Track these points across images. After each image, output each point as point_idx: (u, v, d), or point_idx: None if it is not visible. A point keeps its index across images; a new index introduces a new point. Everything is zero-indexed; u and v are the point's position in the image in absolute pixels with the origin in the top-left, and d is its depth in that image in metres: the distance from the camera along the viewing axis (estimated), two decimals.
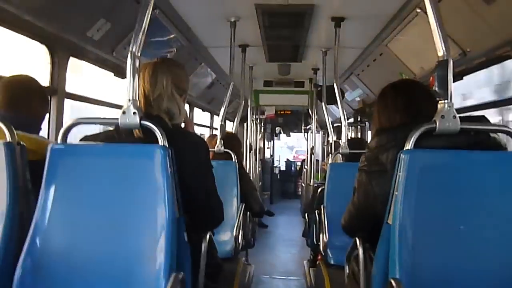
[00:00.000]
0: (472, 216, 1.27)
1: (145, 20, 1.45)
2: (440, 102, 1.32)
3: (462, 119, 1.30)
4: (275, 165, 12.27)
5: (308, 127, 8.19)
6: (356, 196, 1.59)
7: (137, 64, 1.40)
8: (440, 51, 1.35)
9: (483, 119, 1.42)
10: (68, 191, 1.35)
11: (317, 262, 3.62)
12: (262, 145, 11.04)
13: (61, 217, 1.33)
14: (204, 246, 1.61)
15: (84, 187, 1.36)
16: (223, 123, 3.41)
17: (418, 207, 1.26)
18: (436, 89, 1.34)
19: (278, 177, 11.92)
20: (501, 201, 1.28)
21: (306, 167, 8.15)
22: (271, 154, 12.61)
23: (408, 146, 1.29)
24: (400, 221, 1.24)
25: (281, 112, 9.40)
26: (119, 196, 1.34)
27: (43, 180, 1.34)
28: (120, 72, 3.08)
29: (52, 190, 1.33)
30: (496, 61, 2.61)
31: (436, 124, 1.29)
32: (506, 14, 2.15)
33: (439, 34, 1.36)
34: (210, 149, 3.18)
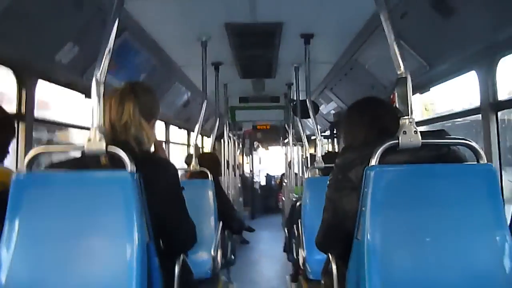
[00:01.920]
0: (437, 228, 1.30)
1: (109, 44, 1.44)
2: (402, 118, 1.36)
3: (424, 134, 1.34)
4: (255, 180, 12.25)
5: (285, 141, 8.24)
6: (326, 214, 1.61)
7: (101, 90, 1.39)
8: (399, 68, 1.39)
9: (443, 133, 1.47)
10: (33, 222, 1.31)
11: (299, 277, 3.62)
12: (241, 161, 11.02)
13: (26, 250, 1.29)
14: (177, 269, 1.58)
15: (50, 217, 1.32)
16: (196, 142, 3.40)
17: (385, 222, 1.28)
18: (397, 105, 1.37)
19: (259, 192, 11.90)
20: (464, 212, 1.31)
21: (285, 181, 8.17)
22: (251, 169, 12.59)
23: (373, 162, 1.32)
24: (369, 236, 1.26)
25: (259, 127, 9.44)
26: (86, 224, 1.31)
27: (7, 211, 1.30)
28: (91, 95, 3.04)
29: (16, 222, 1.29)
30: (460, 73, 2.70)
31: (399, 139, 1.33)
32: (466, 28, 2.24)
33: (396, 52, 1.40)
34: (186, 169, 3.19)
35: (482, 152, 1.35)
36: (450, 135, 1.47)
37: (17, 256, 1.28)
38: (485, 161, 1.35)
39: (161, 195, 1.49)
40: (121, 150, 1.34)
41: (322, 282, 1.86)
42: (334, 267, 1.60)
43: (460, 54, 2.48)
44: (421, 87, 3.02)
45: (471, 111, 2.60)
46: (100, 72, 1.39)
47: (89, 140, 1.34)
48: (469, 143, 1.36)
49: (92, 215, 1.32)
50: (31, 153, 1.36)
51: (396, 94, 1.38)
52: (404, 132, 1.33)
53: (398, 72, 1.39)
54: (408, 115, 1.34)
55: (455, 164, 1.40)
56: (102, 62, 1.40)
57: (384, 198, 1.29)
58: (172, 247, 1.62)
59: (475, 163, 1.37)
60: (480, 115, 2.35)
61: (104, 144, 1.34)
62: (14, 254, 1.28)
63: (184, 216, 1.64)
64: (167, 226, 1.53)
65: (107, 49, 1.43)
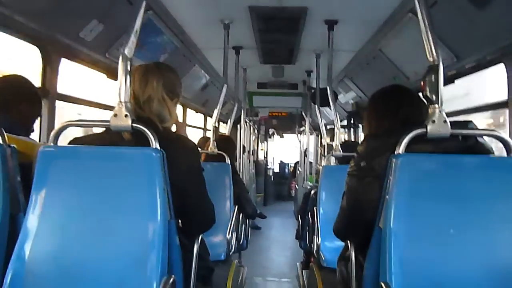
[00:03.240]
0: (462, 220, 1.28)
1: (137, 22, 1.44)
2: (430, 107, 1.33)
3: (450, 124, 1.31)
4: (268, 167, 12.27)
5: (301, 129, 8.20)
6: (346, 201, 1.59)
7: (129, 66, 1.39)
8: (431, 56, 1.36)
9: (470, 124, 1.44)
10: (59, 194, 1.34)
11: (310, 264, 3.63)
12: (255, 147, 11.03)
13: (51, 221, 1.32)
14: (196, 249, 1.60)
15: (75, 190, 1.35)
16: (216, 125, 3.41)
17: (409, 211, 1.27)
18: (428, 94, 1.34)
19: (272, 179, 11.93)
20: (490, 205, 1.29)
21: (299, 169, 8.16)
22: (265, 156, 12.61)
23: (399, 150, 1.30)
24: (392, 225, 1.25)
25: (275, 114, 9.41)
26: (110, 199, 1.33)
27: (33, 182, 1.33)
28: (113, 74, 3.06)
29: (42, 193, 1.32)
30: (487, 66, 2.63)
31: (427, 128, 1.30)
32: (497, 20, 2.17)
33: (429, 40, 1.37)
34: (203, 151, 3.21)
35: None
36: (477, 127, 1.43)
37: (42, 227, 1.31)
38: None
39: (183, 173, 1.50)
40: (145, 128, 1.35)
41: (338, 269, 1.85)
42: (353, 254, 1.59)
43: (490, 46, 2.42)
44: (446, 79, 2.95)
45: (498, 105, 2.54)
46: (129, 48, 1.39)
47: (115, 115, 1.35)
48: (500, 135, 1.33)
49: (117, 190, 1.33)
50: (58, 126, 1.37)
51: (426, 82, 1.35)
52: (433, 121, 1.30)
53: (430, 60, 1.35)
54: (438, 104, 1.31)
55: (484, 156, 1.37)
56: (131, 38, 1.40)
57: (409, 187, 1.27)
58: (191, 227, 1.64)
59: (505, 156, 1.34)
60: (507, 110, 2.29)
61: (130, 121, 1.35)
62: (39, 225, 1.31)
63: (204, 196, 1.65)
64: (187, 205, 1.54)
65: (135, 26, 1.42)
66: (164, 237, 1.27)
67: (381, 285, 1.19)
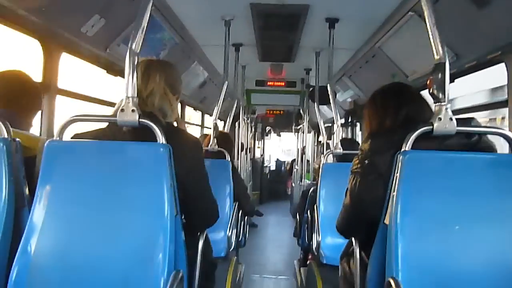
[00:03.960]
0: (467, 216, 1.29)
1: (144, 18, 1.44)
2: (437, 104, 1.34)
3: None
4: (265, 165, 12.27)
5: (299, 127, 8.21)
6: (349, 199, 1.60)
7: (135, 61, 1.39)
8: (437, 54, 1.36)
9: (473, 121, 1.44)
10: (65, 189, 1.33)
11: (308, 262, 3.65)
12: (252, 145, 11.03)
13: (56, 215, 1.32)
14: (200, 245, 1.60)
15: (81, 185, 1.34)
16: (216, 122, 3.40)
17: (415, 207, 1.28)
18: (434, 91, 1.35)
19: (268, 177, 11.93)
20: (495, 202, 1.30)
21: (296, 167, 8.18)
22: (262, 153, 12.61)
23: (406, 147, 1.31)
24: (398, 221, 1.26)
25: (272, 112, 9.41)
26: (117, 194, 1.33)
27: (39, 177, 1.32)
28: (112, 70, 3.04)
29: (48, 187, 1.31)
30: (488, 65, 2.65)
31: (433, 126, 1.31)
32: (498, 19, 2.19)
33: (436, 37, 1.38)
34: (204, 148, 3.21)
35: None
36: (480, 124, 1.44)
37: (48, 222, 1.30)
38: None
39: (187, 168, 1.50)
40: (152, 124, 1.35)
41: (340, 266, 1.86)
42: (357, 251, 1.60)
43: (490, 45, 2.43)
44: None
45: (498, 104, 2.55)
46: (136, 43, 1.38)
47: (121, 110, 1.35)
48: (505, 132, 1.34)
49: (123, 185, 1.33)
50: (65, 121, 1.37)
51: (433, 79, 1.35)
52: (439, 119, 1.31)
53: (436, 58, 1.36)
54: (445, 102, 1.32)
55: (489, 153, 1.38)
56: (138, 34, 1.40)
57: (415, 183, 1.28)
58: (195, 222, 1.64)
59: (509, 153, 1.35)
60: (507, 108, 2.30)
61: (137, 116, 1.34)
62: (45, 220, 1.30)
63: (208, 191, 1.65)
64: (191, 200, 1.54)
65: (143, 22, 1.42)
66: (171, 232, 1.27)
67: (389, 281, 1.20)
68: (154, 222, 1.27)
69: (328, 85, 3.59)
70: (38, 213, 1.30)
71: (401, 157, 1.29)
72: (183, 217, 1.54)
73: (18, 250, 1.27)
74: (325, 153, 3.55)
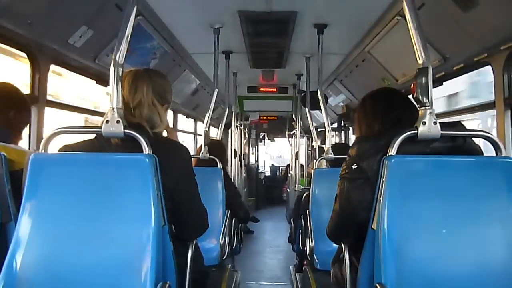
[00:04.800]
0: (454, 220, 1.30)
1: (128, 28, 1.44)
2: (421, 108, 1.34)
3: (440, 125, 1.33)
4: (260, 171, 12.26)
5: (292, 132, 8.22)
6: (338, 204, 1.60)
7: (120, 72, 1.39)
8: (420, 58, 1.37)
9: (458, 125, 1.46)
10: (51, 202, 1.32)
11: (303, 267, 3.64)
12: (246, 151, 11.03)
13: (43, 228, 1.30)
14: (190, 254, 1.59)
15: (67, 197, 1.33)
16: (207, 129, 3.40)
17: (402, 212, 1.28)
18: (418, 96, 1.36)
19: (263, 182, 11.92)
20: (480, 204, 1.31)
21: (291, 172, 8.17)
22: (256, 159, 12.61)
23: (392, 151, 1.31)
24: (385, 226, 1.26)
25: (266, 118, 9.42)
26: (103, 206, 1.32)
27: (24, 190, 1.31)
28: (102, 80, 3.04)
29: (33, 201, 1.30)
30: (475, 67, 2.67)
31: (417, 130, 1.32)
32: (483, 21, 2.21)
33: (419, 42, 1.39)
34: (195, 156, 3.20)
35: (502, 145, 1.34)
36: (465, 127, 1.45)
37: (34, 235, 1.29)
38: (504, 154, 1.34)
39: (174, 178, 1.49)
40: (138, 134, 1.35)
41: (332, 271, 1.86)
42: (347, 256, 1.60)
43: (476, 48, 2.45)
44: (434, 81, 2.99)
45: (485, 106, 2.57)
46: (120, 54, 1.38)
47: (106, 122, 1.34)
48: (489, 135, 1.35)
49: (109, 197, 1.32)
50: (50, 134, 1.36)
51: (416, 84, 1.36)
52: (424, 123, 1.32)
53: (419, 62, 1.37)
54: (429, 106, 1.33)
55: (474, 156, 1.39)
56: (122, 44, 1.40)
57: (401, 188, 1.28)
58: (185, 232, 1.63)
59: (494, 155, 1.36)
60: (494, 110, 2.33)
61: (122, 127, 1.34)
62: (31, 233, 1.29)
63: (196, 200, 1.65)
64: (180, 210, 1.54)
65: (126, 32, 1.42)
66: (158, 243, 1.27)
67: (376, 286, 1.20)
68: (140, 232, 1.26)
69: (318, 90, 3.60)
70: (24, 227, 1.29)
71: (386, 162, 1.30)
72: (173, 226, 1.54)
73: (4, 264, 1.26)
74: (317, 158, 3.56)
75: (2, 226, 1.36)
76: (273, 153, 15.98)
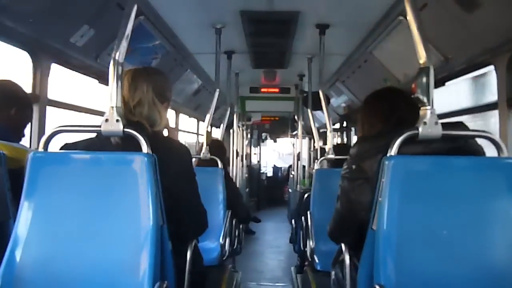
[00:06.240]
0: (455, 221, 1.28)
1: (128, 27, 1.44)
2: (422, 108, 1.33)
3: (442, 125, 1.32)
4: (262, 171, 12.25)
5: (294, 132, 8.21)
6: (340, 204, 1.60)
7: (120, 71, 1.39)
8: (422, 58, 1.36)
9: (460, 125, 1.44)
10: (49, 200, 1.32)
11: (304, 268, 3.63)
12: (248, 151, 11.02)
13: (42, 227, 1.30)
14: (189, 254, 1.59)
15: (66, 196, 1.33)
16: (208, 129, 3.40)
17: (402, 213, 1.27)
18: (419, 95, 1.35)
19: (265, 183, 11.91)
20: (481, 206, 1.29)
21: (292, 172, 8.16)
22: (258, 160, 12.60)
23: (392, 152, 1.30)
24: (385, 226, 1.25)
25: (268, 118, 9.41)
26: (101, 205, 1.32)
27: (24, 189, 1.31)
28: (104, 79, 3.04)
29: (32, 199, 1.30)
30: (477, 68, 2.66)
31: (418, 130, 1.31)
32: (486, 22, 2.20)
33: (420, 42, 1.38)
34: (196, 156, 3.20)
35: (503, 146, 1.32)
36: (468, 128, 1.44)
37: (32, 233, 1.29)
38: (506, 155, 1.32)
39: (174, 177, 1.49)
40: (136, 133, 1.34)
41: (332, 272, 1.85)
42: (347, 257, 1.59)
43: (479, 48, 2.44)
44: (436, 82, 2.97)
45: (488, 106, 2.56)
46: (120, 53, 1.38)
47: (106, 120, 1.34)
48: (490, 136, 1.34)
49: (108, 196, 1.32)
50: (49, 132, 1.36)
51: (417, 84, 1.35)
52: (425, 123, 1.31)
53: (421, 62, 1.36)
54: (430, 106, 1.32)
55: (475, 156, 1.38)
56: (122, 43, 1.40)
57: (402, 188, 1.27)
58: (183, 231, 1.63)
59: (496, 156, 1.34)
60: (497, 111, 2.31)
61: (121, 126, 1.34)
62: (30, 231, 1.29)
63: (196, 201, 1.64)
64: (179, 209, 1.53)
65: (126, 31, 1.42)
66: (156, 242, 1.26)
67: (375, 287, 1.19)
68: (139, 232, 1.26)
69: (320, 90, 3.60)
70: (22, 225, 1.29)
71: (386, 162, 1.29)
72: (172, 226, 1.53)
73: (2, 262, 1.26)
74: (318, 158, 3.55)
75: (0, 224, 1.35)
76: (283, 151, 15.78)
